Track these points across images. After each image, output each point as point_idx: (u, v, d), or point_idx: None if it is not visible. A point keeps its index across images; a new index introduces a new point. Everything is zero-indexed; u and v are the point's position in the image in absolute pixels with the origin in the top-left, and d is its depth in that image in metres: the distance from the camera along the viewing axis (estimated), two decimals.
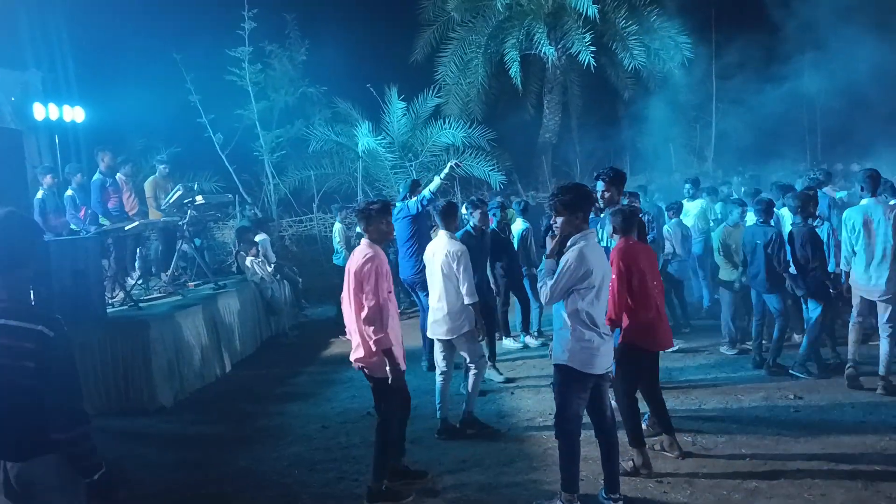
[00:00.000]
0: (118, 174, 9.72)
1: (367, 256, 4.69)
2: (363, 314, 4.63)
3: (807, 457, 5.12)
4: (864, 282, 6.44)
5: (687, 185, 10.50)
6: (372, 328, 4.60)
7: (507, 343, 8.95)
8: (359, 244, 4.93)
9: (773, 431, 5.67)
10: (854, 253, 6.50)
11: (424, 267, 6.97)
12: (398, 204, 8.06)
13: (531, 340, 8.93)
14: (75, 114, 11.24)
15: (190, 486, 5.36)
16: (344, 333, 10.19)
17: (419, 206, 7.84)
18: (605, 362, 4.39)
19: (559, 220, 4.38)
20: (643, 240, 5.70)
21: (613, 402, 4.76)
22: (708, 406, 6.40)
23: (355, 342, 4.84)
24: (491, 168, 15.60)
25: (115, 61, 14.72)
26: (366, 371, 4.84)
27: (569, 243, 4.32)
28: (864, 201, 6.57)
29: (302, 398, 7.45)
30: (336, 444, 5.99)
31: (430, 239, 8.01)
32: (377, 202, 4.93)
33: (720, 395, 6.68)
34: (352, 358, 4.89)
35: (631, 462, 4.97)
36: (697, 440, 5.56)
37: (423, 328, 7.36)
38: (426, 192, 7.84)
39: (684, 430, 5.72)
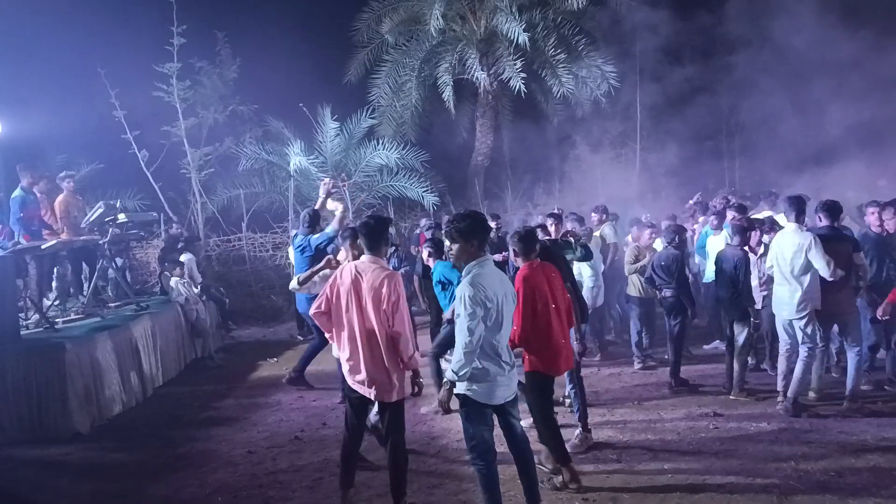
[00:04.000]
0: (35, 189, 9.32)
1: (394, 277, 4.56)
2: (401, 336, 4.52)
3: (725, 471, 5.30)
4: (784, 304, 6.64)
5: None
6: (409, 349, 4.60)
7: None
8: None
9: (693, 447, 5.86)
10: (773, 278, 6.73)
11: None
12: (300, 237, 7.91)
13: None
14: None
15: None
16: (272, 356, 10.22)
17: (322, 243, 7.68)
18: (503, 393, 4.32)
19: (454, 247, 4.36)
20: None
21: (524, 423, 4.72)
22: (633, 423, 6.56)
23: (362, 370, 4.61)
24: (424, 189, 15.72)
25: (34, 73, 14.16)
26: (382, 398, 4.66)
27: (464, 272, 4.32)
28: (787, 226, 6.76)
29: (227, 423, 7.25)
30: (262, 469, 5.85)
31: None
32: (378, 218, 4.89)
33: (644, 412, 6.87)
34: (362, 389, 4.66)
35: (559, 478, 5.06)
36: (622, 457, 5.69)
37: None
38: (329, 232, 7.60)
39: (610, 447, 5.89)
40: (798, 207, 6.58)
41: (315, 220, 7.94)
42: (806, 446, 5.76)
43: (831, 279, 6.34)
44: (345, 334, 4.66)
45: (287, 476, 5.65)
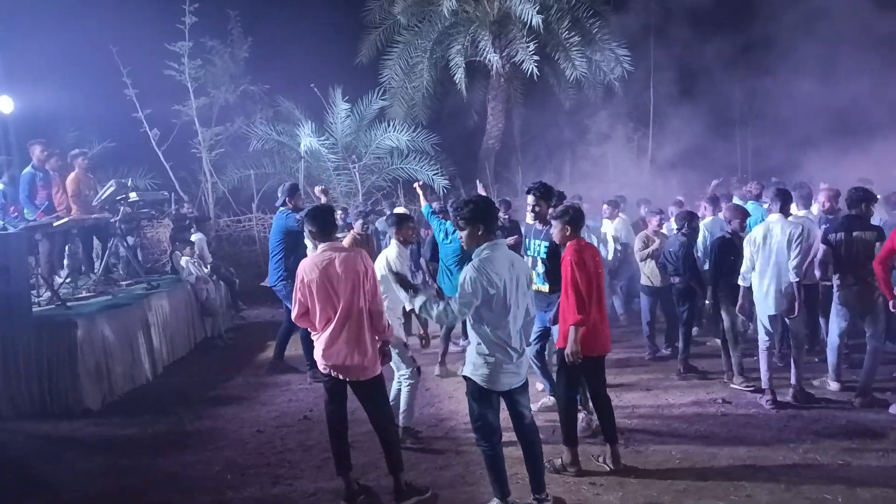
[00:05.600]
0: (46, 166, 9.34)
1: (361, 253, 4.73)
2: (384, 313, 4.75)
3: (733, 458, 5.30)
4: (773, 299, 6.46)
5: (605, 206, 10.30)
6: (385, 320, 4.81)
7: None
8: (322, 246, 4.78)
9: (701, 434, 5.85)
10: (754, 268, 6.53)
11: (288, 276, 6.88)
12: (281, 209, 7.90)
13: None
14: (2, 104, 10.76)
15: (117, 493, 5.19)
16: None
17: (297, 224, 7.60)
18: (510, 380, 4.32)
19: (462, 234, 4.38)
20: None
21: (535, 407, 4.77)
22: (641, 409, 6.56)
23: (340, 355, 4.62)
24: (434, 172, 15.68)
25: (46, 50, 14.13)
26: (360, 377, 4.70)
27: (473, 255, 4.31)
28: (770, 217, 6.65)
29: (236, 402, 7.30)
30: (270, 448, 5.89)
31: (302, 250, 7.79)
32: (320, 208, 4.99)
33: (653, 399, 6.86)
34: (338, 373, 4.67)
35: (559, 459, 5.09)
36: (630, 442, 5.69)
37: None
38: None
39: (618, 432, 5.85)
40: (783, 198, 6.54)
41: (291, 193, 7.96)
42: (815, 434, 5.75)
43: (794, 277, 6.24)
44: (323, 324, 4.66)
45: (296, 455, 5.68)
